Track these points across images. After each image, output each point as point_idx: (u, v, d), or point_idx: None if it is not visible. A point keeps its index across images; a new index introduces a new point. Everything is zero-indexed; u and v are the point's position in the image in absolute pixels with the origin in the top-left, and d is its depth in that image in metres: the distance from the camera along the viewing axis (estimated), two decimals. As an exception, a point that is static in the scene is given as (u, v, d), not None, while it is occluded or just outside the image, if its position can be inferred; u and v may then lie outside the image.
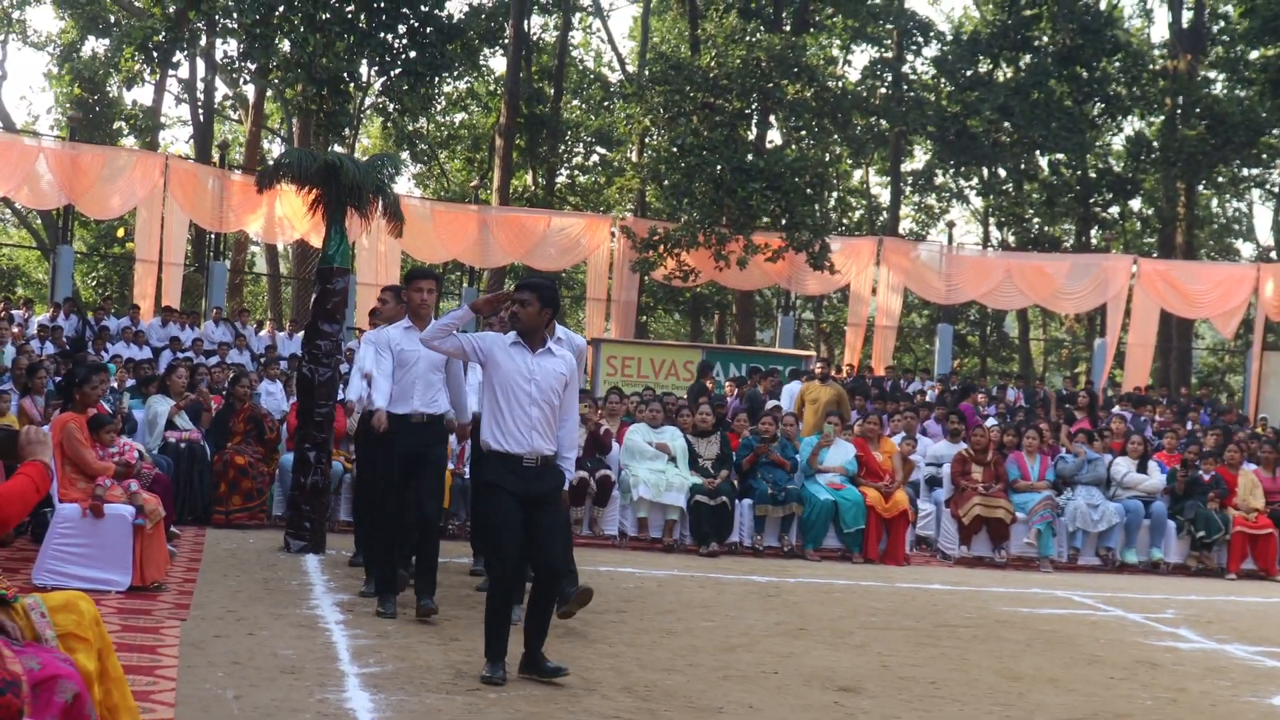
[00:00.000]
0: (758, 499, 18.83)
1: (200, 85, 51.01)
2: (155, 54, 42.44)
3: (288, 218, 37.40)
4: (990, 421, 24.65)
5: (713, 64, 39.84)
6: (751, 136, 43.18)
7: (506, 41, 46.51)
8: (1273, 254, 52.87)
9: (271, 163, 21.67)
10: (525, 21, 47.91)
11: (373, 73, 43.90)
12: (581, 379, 12.27)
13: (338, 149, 41.73)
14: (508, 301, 10.19)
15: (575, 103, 57.36)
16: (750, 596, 14.64)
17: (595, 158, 57.58)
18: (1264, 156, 51.16)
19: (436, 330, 9.89)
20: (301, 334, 31.48)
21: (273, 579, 13.35)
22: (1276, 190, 54.78)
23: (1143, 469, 20.46)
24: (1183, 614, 15.42)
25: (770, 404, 24.89)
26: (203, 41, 45.79)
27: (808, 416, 23.06)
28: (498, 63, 53.41)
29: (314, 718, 8.16)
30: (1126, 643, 13.12)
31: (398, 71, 42.04)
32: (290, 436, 17.66)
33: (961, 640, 12.58)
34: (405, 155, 54.66)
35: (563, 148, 54.75)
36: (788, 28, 44.80)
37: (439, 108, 53.84)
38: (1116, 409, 31.20)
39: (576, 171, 58.05)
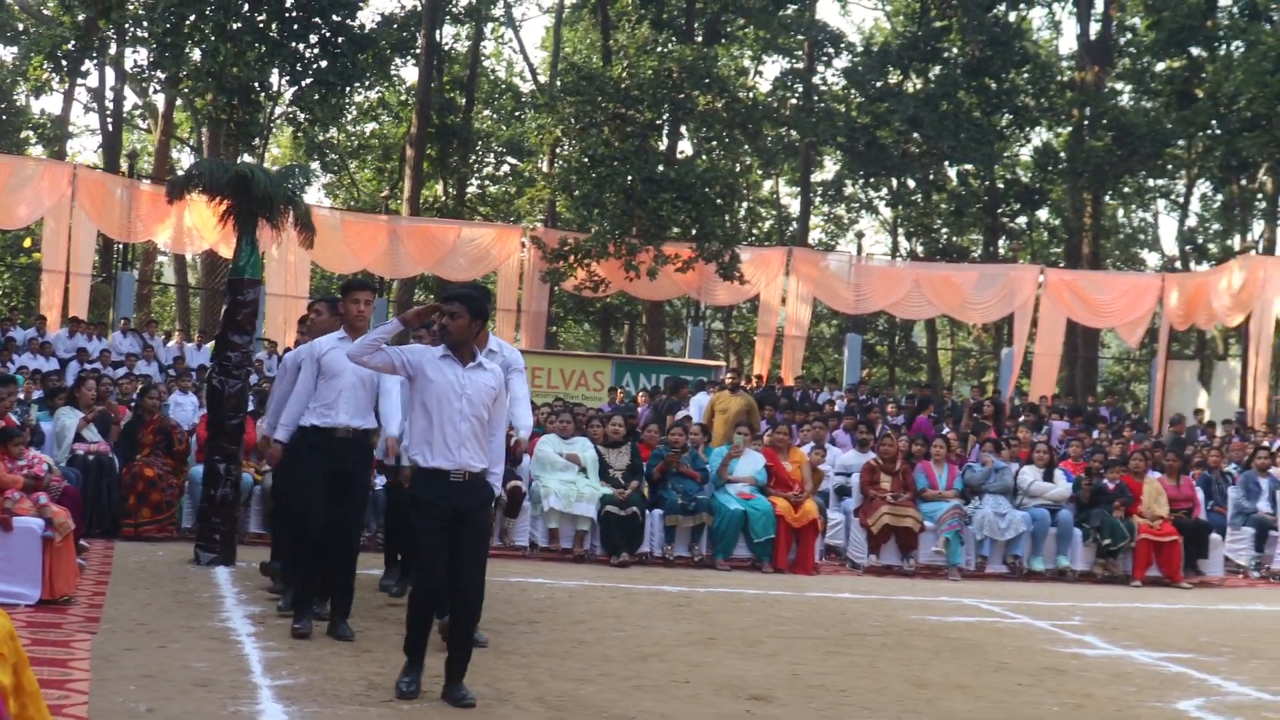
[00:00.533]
0: (668, 509, 18.90)
1: (109, 94, 50.62)
2: (64, 62, 42.16)
3: (196, 228, 37.17)
4: (945, 431, 24.79)
5: (624, 75, 39.92)
6: (662, 147, 43.32)
7: (418, 51, 46.52)
8: (1176, 264, 53.44)
9: (182, 173, 21.58)
10: (437, 31, 47.95)
11: (284, 82, 43.78)
12: (529, 389, 12.14)
13: (247, 158, 41.66)
14: (436, 314, 9.94)
15: (486, 113, 57.38)
16: (661, 606, 14.70)
17: (506, 168, 57.62)
18: (1169, 167, 51.74)
19: (364, 346, 9.70)
20: (210, 345, 31.47)
21: (183, 591, 13.31)
22: (1181, 201, 55.36)
23: (1049, 478, 20.66)
24: (1089, 621, 15.57)
25: (680, 414, 24.97)
26: (112, 50, 45.45)
27: (717, 427, 23.15)
28: (409, 72, 53.34)
29: (227, 730, 8.18)
30: (1033, 649, 13.25)
31: (309, 81, 41.91)
32: (200, 448, 17.62)
33: (871, 648, 12.68)
34: (315, 165, 54.48)
35: (473, 158, 54.75)
36: (699, 39, 44.98)
37: (350, 117, 53.78)
38: (1056, 421, 31.47)
39: (487, 182, 58.07)
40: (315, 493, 11.67)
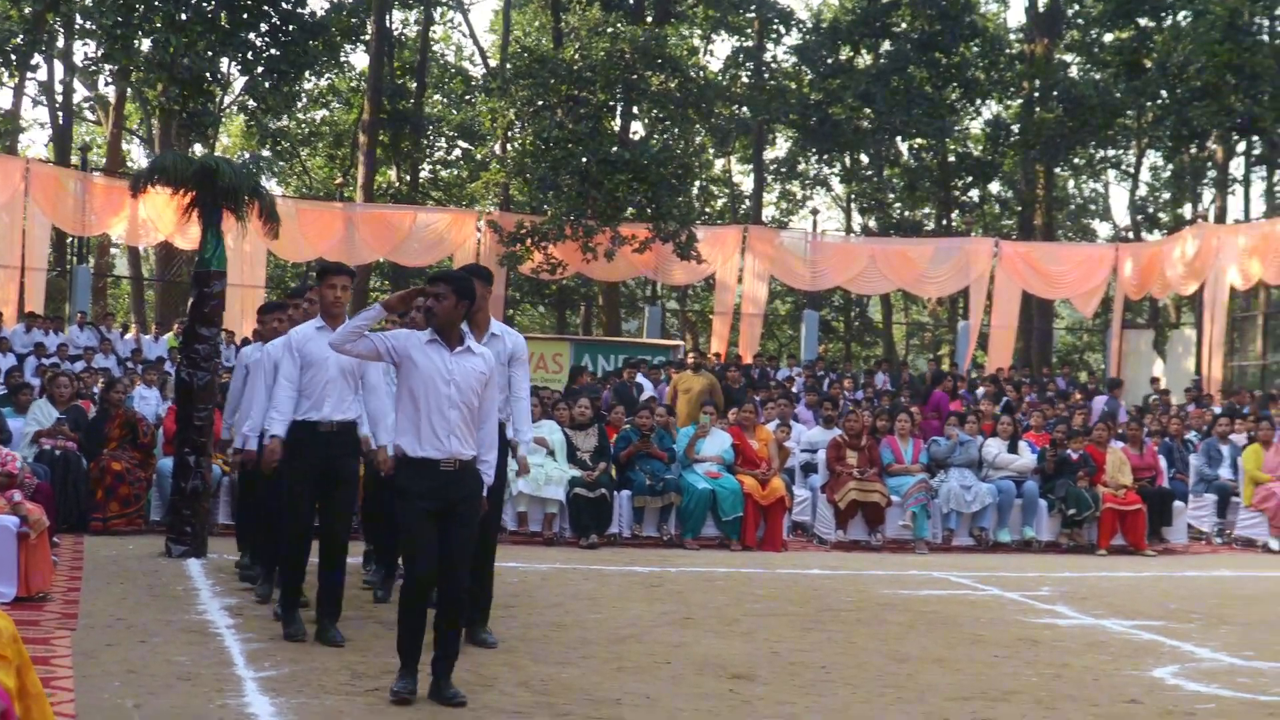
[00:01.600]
0: (636, 490, 18.98)
1: (59, 87, 50.26)
2: (13, 57, 41.89)
3: (151, 220, 36.94)
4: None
5: (576, 56, 39.83)
6: (616, 128, 43.27)
7: (368, 37, 46.41)
8: (1128, 233, 53.68)
9: (143, 165, 21.55)
10: (387, 17, 47.83)
11: (235, 71, 43.63)
12: (528, 377, 11.47)
13: (198, 149, 41.50)
14: (421, 296, 9.57)
15: (437, 97, 57.25)
16: (635, 587, 14.76)
17: (458, 152, 57.51)
18: (1119, 138, 51.92)
19: (346, 333, 9.27)
20: (167, 336, 31.33)
21: (158, 585, 13.32)
22: (1131, 171, 55.55)
23: (1013, 450, 20.80)
24: (1058, 591, 15.69)
25: (646, 394, 25.01)
26: (61, 43, 45.21)
27: (681, 406, 23.24)
28: (358, 59, 53.22)
29: (216, 723, 8.20)
30: (1006, 621, 13.36)
31: (260, 70, 41.77)
32: (168, 441, 17.60)
33: (846, 624, 12.76)
34: (267, 153, 54.26)
35: (425, 143, 54.62)
36: (649, 19, 44.94)
37: (300, 105, 53.61)
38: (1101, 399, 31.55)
39: (439, 166, 57.96)
40: (302, 492, 11.15)
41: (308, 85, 51.14)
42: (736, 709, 9.20)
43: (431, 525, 9.00)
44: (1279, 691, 10.30)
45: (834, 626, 12.59)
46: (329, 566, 11.06)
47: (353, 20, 46.45)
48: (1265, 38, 45.46)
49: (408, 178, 52.83)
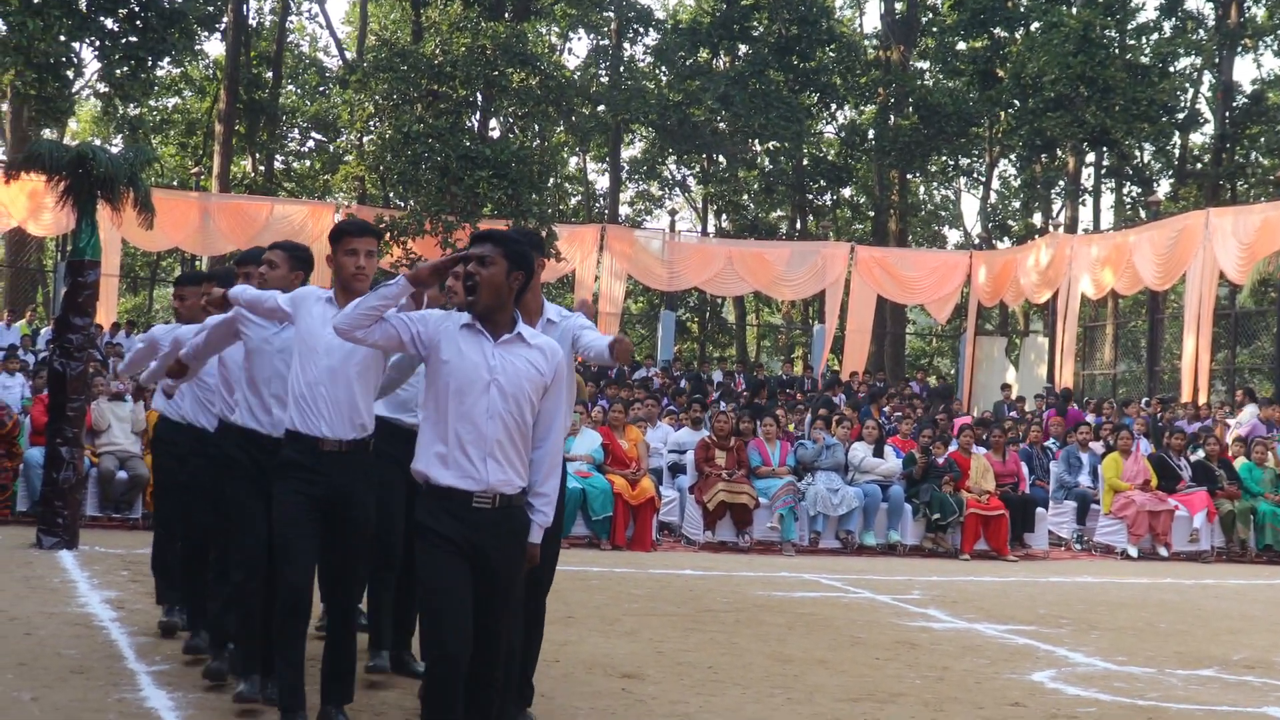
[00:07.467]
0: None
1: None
2: None
3: (4, 205, 36.38)
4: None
5: (437, 51, 39.72)
6: (476, 124, 43.21)
7: (222, 26, 46.03)
8: (978, 240, 54.40)
9: (19, 153, 21.37)
10: (244, 5, 47.47)
11: (92, 56, 43.09)
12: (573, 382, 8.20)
13: (46, 133, 40.96)
14: (459, 264, 6.92)
15: (291, 88, 56.85)
16: (512, 585, 14.73)
17: (311, 144, 57.22)
18: (973, 146, 52.59)
19: (358, 314, 6.80)
20: (19, 324, 30.87)
21: (33, 577, 13.17)
22: (983, 179, 56.21)
23: (879, 454, 21.03)
24: (928, 594, 15.86)
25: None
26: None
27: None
28: (213, 47, 52.69)
29: (118, 718, 8.10)
30: (882, 624, 13.47)
31: (119, 56, 41.25)
32: (36, 431, 17.42)
33: (726, 625, 12.83)
34: (118, 140, 53.65)
35: (280, 133, 54.26)
36: (508, 14, 44.91)
37: (154, 91, 53.19)
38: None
39: (292, 158, 57.58)
40: (296, 523, 7.85)
41: (160, 72, 50.68)
42: (632, 708, 9.25)
43: (463, 579, 6.66)
44: (1155, 696, 10.44)
45: (714, 627, 12.64)
46: (335, 635, 8.04)
47: (209, 8, 46.05)
48: (1117, 51, 46.27)
49: (262, 168, 52.41)
